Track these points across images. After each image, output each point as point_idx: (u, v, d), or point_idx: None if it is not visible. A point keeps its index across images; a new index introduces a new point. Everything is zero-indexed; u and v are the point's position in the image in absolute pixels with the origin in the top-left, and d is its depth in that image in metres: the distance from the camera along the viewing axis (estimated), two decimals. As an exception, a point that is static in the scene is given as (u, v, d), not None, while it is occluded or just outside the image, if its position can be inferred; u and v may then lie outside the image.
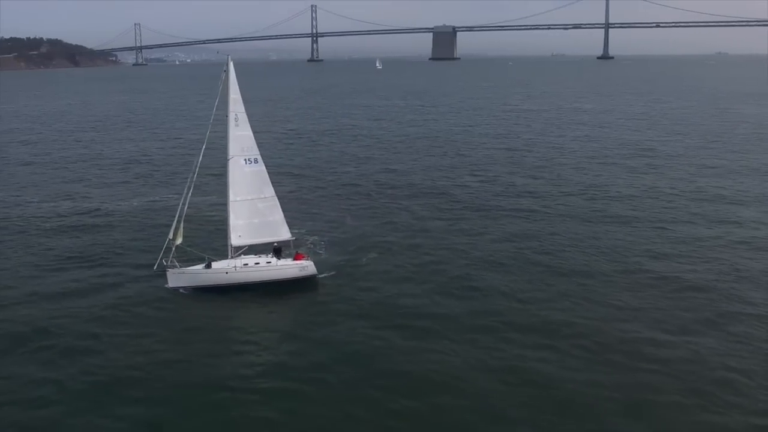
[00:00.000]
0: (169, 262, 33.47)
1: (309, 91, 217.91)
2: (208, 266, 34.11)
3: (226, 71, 33.59)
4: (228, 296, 33.26)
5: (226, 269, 33.84)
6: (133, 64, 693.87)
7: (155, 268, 33.85)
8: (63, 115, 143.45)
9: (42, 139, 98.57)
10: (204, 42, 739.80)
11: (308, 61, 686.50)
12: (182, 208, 34.03)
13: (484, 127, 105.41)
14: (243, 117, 34.09)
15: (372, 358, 26.82)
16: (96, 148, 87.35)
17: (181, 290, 33.51)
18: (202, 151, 34.20)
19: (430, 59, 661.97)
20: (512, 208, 51.46)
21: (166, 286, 33.72)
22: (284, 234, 35.05)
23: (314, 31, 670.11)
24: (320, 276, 34.82)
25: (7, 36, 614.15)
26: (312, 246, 38.39)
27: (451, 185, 60.32)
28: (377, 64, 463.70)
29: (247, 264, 34.12)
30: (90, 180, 65.77)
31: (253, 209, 34.69)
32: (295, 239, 36.02)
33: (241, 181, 34.43)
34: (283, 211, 35.47)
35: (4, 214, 51.40)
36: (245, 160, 34.26)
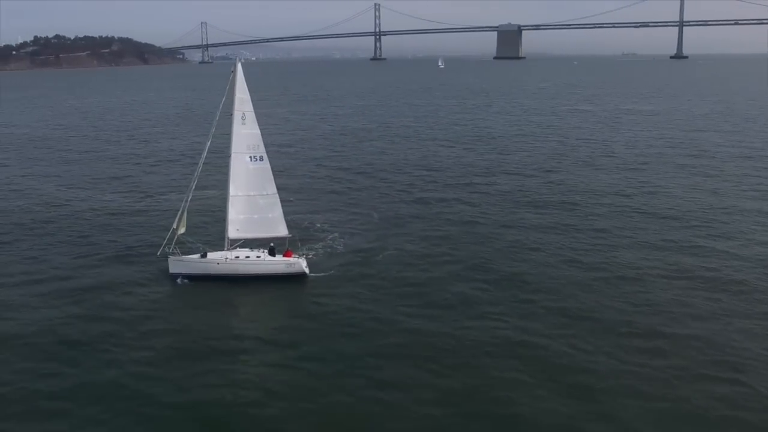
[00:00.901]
0: (171, 250, 35.28)
1: (365, 89, 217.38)
2: (204, 256, 35.55)
3: (234, 71, 34.57)
4: (220, 287, 34.48)
5: (218, 260, 35.20)
6: (200, 62, 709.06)
7: (158, 253, 35.85)
8: (125, 110, 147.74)
9: (100, 135, 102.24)
10: (268, 40, 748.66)
11: (371, 59, 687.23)
12: (186, 200, 35.96)
13: (531, 126, 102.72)
14: (251, 116, 35.09)
15: (334, 360, 26.59)
16: (149, 144, 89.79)
17: (180, 276, 35.25)
18: (207, 146, 35.85)
19: (494, 58, 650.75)
20: (544, 214, 49.65)
21: (169, 272, 35.83)
22: (281, 231, 35.76)
23: (377, 30, 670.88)
24: (313, 274, 35.25)
25: (81, 35, 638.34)
26: (305, 249, 37.32)
27: (485, 186, 59.33)
28: (439, 63, 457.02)
29: (238, 257, 35.36)
30: (133, 174, 67.63)
31: (254, 205, 35.62)
32: (291, 236, 36.20)
33: (245, 177, 35.47)
34: (312, 205, 39.55)
35: (47, 202, 55.31)
36: (251, 157, 35.27)
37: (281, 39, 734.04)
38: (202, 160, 36.09)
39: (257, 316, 32.89)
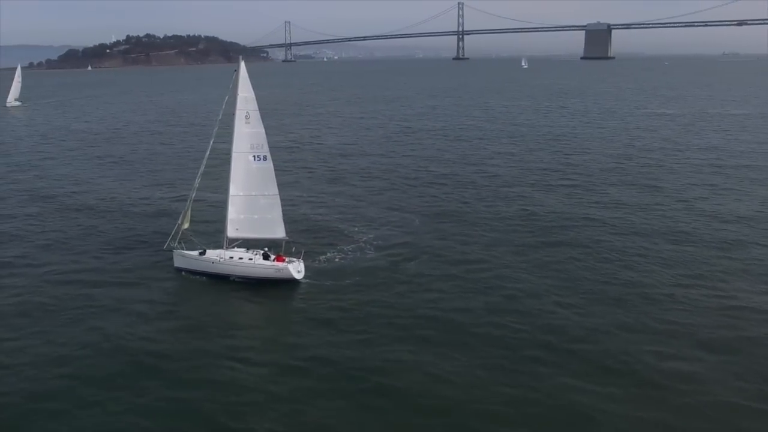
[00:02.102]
0: (176, 244, 36.19)
1: (441, 89, 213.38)
2: (202, 253, 35.87)
3: (237, 71, 34.57)
4: (216, 285, 34.96)
5: (213, 259, 35.39)
6: (282, 61, 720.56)
7: (165, 247, 36.99)
8: (197, 107, 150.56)
9: (168, 131, 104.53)
10: (350, 39, 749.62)
11: (453, 59, 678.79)
12: (191, 196, 36.92)
13: (605, 129, 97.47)
14: (255, 115, 34.64)
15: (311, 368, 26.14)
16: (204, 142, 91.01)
17: (183, 271, 36.30)
18: (211, 144, 36.31)
19: (581, 59, 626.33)
20: (595, 222, 46.47)
21: (174, 265, 37.01)
22: (279, 233, 35.38)
23: (460, 29, 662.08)
24: (307, 280, 34.64)
25: (170, 34, 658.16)
26: (303, 254, 36.38)
27: (542, 192, 56.29)
28: (523, 63, 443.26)
29: (232, 257, 35.32)
30: (176, 171, 67.25)
31: (255, 205, 35.35)
32: (288, 239, 35.87)
33: (247, 176, 35.19)
34: (355, 206, 42.52)
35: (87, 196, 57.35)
36: (254, 156, 34.91)
37: (363, 38, 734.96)
38: (206, 158, 36.30)
39: (240, 316, 32.69)
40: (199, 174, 36.77)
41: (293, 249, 35.77)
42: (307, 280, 34.88)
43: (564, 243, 41.86)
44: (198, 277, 35.83)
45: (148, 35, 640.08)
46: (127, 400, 23.98)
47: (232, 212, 35.69)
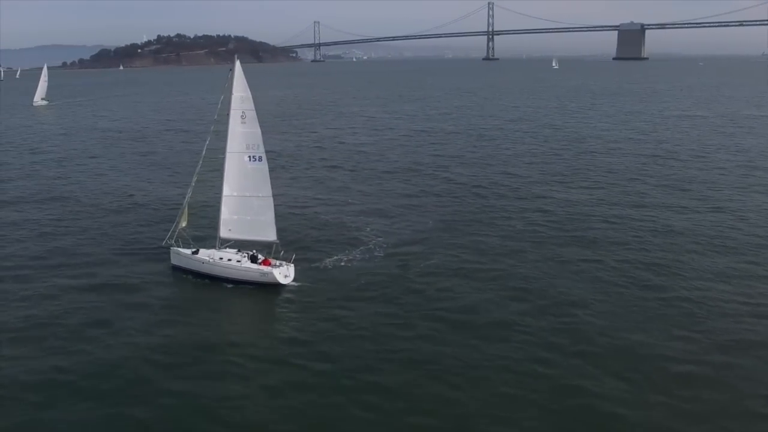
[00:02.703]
0: (173, 242, 36.52)
1: (468, 89, 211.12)
2: (195, 252, 35.84)
3: (232, 70, 34.31)
4: (208, 286, 34.64)
5: (203, 259, 35.29)
6: (312, 61, 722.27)
7: (163, 243, 37.41)
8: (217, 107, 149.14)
9: (192, 129, 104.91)
10: (378, 39, 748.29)
11: (483, 59, 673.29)
12: (188, 195, 36.98)
13: (632, 131, 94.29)
14: (251, 114, 34.29)
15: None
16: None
17: (178, 269, 36.37)
18: (206, 143, 36.44)
19: (613, 59, 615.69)
20: (617, 224, 44.92)
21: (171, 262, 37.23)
22: (270, 235, 35.03)
23: (490, 29, 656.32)
24: (296, 283, 33.94)
25: (200, 34, 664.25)
26: (293, 258, 35.38)
27: (562, 195, 54.30)
28: (553, 64, 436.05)
29: (222, 258, 35.10)
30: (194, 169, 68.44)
31: (248, 206, 35.10)
32: (278, 242, 35.30)
33: (242, 177, 34.93)
34: (369, 208, 42.81)
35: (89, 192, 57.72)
36: (249, 157, 34.62)
37: (392, 38, 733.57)
38: (203, 157, 36.46)
39: (233, 317, 32.30)
40: (195, 173, 37.30)
41: (282, 252, 35.07)
42: (308, 283, 34.24)
43: (584, 245, 40.66)
44: (191, 276, 35.83)
45: (178, 35, 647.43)
46: (121, 397, 24.02)
47: (225, 213, 35.62)
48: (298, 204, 51.95)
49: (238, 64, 34.30)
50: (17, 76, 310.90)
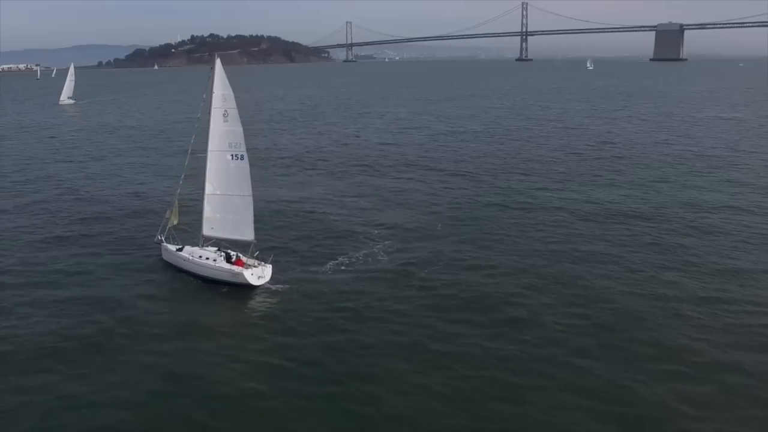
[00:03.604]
0: (164, 238, 37.30)
1: (496, 90, 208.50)
2: (180, 249, 36.27)
3: (213, 69, 34.53)
4: (187, 283, 34.73)
5: (185, 257, 35.54)
6: (344, 61, 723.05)
7: (155, 240, 38.06)
8: (248, 106, 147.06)
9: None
10: (410, 40, 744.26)
11: (516, 60, 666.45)
12: (176, 192, 37.73)
13: (662, 133, 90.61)
14: (234, 113, 34.36)
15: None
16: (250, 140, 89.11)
17: (167, 263, 36.90)
18: (191, 142, 37.24)
19: (650, 60, 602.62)
20: (638, 233, 42.25)
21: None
22: (248, 234, 34.99)
23: (524, 30, 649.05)
24: (266, 286, 33.42)
25: (233, 34, 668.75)
26: (271, 258, 35.08)
27: (583, 198, 52.35)
28: (588, 65, 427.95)
29: (201, 256, 35.26)
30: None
31: (230, 204, 35.25)
32: (255, 242, 35.07)
33: (225, 175, 35.06)
34: (382, 208, 44.26)
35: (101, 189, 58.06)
36: (232, 155, 34.72)
37: (425, 38, 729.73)
38: (189, 155, 36.93)
39: (218, 317, 31.28)
40: (183, 170, 38.11)
41: (257, 252, 34.73)
42: (286, 285, 33.54)
43: (599, 253, 38.58)
44: (176, 271, 36.25)
45: (212, 35, 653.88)
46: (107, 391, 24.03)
47: (208, 211, 35.89)
48: (308, 203, 51.52)
49: (218, 62, 34.44)
50: (53, 76, 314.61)
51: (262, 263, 33.86)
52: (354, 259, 37.24)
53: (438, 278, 34.54)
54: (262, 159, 72.38)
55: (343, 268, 36.01)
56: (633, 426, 21.68)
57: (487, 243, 40.71)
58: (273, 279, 33.67)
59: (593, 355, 26.02)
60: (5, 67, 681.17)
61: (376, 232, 42.84)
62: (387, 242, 40.32)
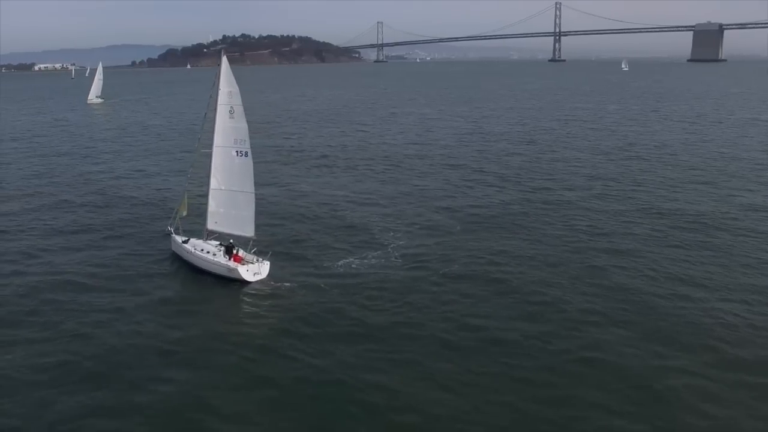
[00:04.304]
0: (173, 229, 38.42)
1: (526, 91, 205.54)
2: (186, 241, 37.13)
3: (220, 65, 34.96)
4: (188, 273, 35.68)
5: (188, 249, 36.47)
6: (374, 61, 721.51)
7: (165, 231, 39.39)
8: (277, 105, 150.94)
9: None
10: (441, 40, 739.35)
11: (549, 60, 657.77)
12: (185, 185, 39.58)
13: (693, 135, 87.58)
14: (239, 110, 34.71)
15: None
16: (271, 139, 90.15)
17: (175, 254, 37.88)
18: (199, 137, 38.08)
19: (688, 61, 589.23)
20: (660, 238, 40.37)
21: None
22: (249, 231, 35.37)
23: (557, 30, 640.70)
24: (262, 282, 33.71)
25: (264, 34, 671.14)
26: (270, 255, 35.57)
27: (608, 198, 51.61)
28: (623, 66, 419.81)
29: (203, 249, 35.91)
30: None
31: (234, 200, 35.70)
32: (255, 238, 35.48)
33: (230, 171, 35.47)
34: (400, 208, 45.64)
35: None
36: (237, 152, 35.06)
37: (456, 39, 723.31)
38: (197, 149, 37.68)
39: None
40: (191, 164, 39.43)
41: (254, 249, 35.16)
42: (281, 283, 33.53)
43: (617, 254, 37.71)
44: (181, 262, 37.19)
45: (243, 35, 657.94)
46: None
47: (212, 205, 36.55)
48: (328, 201, 51.44)
49: (224, 60, 34.75)
50: (86, 75, 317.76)
51: (260, 260, 34.28)
52: (367, 257, 37.01)
53: (451, 277, 33.86)
54: (286, 157, 72.75)
55: (354, 267, 35.64)
56: (653, 421, 21.41)
57: (507, 244, 39.89)
58: (276, 276, 33.84)
59: (612, 351, 25.69)
60: (42, 66, 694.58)
61: (393, 231, 42.45)
62: (402, 242, 39.91)
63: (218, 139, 35.18)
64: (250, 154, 34.67)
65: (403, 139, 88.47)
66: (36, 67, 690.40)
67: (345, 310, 30.01)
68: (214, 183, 35.98)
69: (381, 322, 28.75)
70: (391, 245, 39.15)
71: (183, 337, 27.74)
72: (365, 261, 36.46)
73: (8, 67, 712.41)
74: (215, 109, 34.89)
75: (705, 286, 32.81)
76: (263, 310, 30.92)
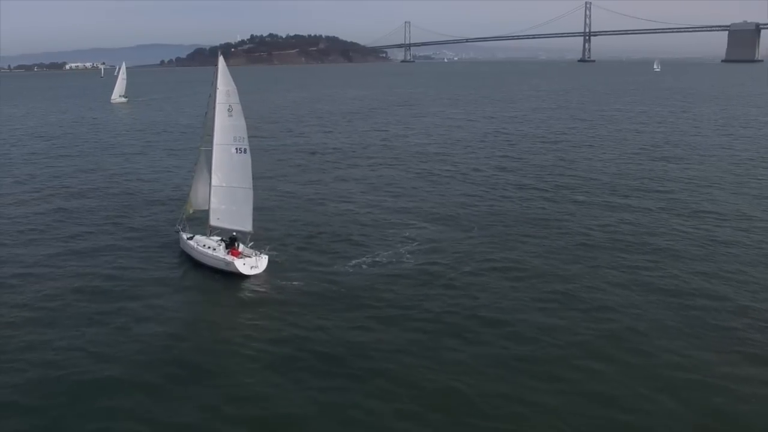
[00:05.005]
0: (180, 227, 39.28)
1: (553, 92, 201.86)
2: (190, 238, 37.99)
3: (217, 66, 35.90)
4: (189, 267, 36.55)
5: (192, 245, 37.26)
6: (401, 61, 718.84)
7: (174, 228, 40.31)
8: (303, 105, 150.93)
9: (264, 128, 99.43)
10: (468, 40, 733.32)
11: (578, 61, 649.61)
12: (191, 184, 40.06)
13: (726, 138, 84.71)
14: (237, 108, 35.50)
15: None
16: (281, 138, 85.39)
17: (183, 251, 38.64)
18: (202, 135, 38.50)
19: (722, 61, 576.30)
20: (685, 240, 37.44)
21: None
22: (247, 226, 36.25)
23: (587, 30, 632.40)
24: (258, 276, 34.33)
25: (291, 33, 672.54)
26: (268, 249, 36.10)
27: (632, 200, 49.72)
28: (655, 66, 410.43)
29: (204, 245, 36.69)
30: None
31: (234, 196, 36.51)
32: (252, 233, 36.21)
33: (230, 168, 36.31)
34: (417, 208, 46.82)
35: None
36: (236, 149, 35.81)
37: (483, 39, 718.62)
38: (200, 147, 38.36)
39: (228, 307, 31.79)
40: (195, 163, 39.77)
41: (251, 243, 35.95)
42: (276, 279, 33.98)
43: (641, 257, 36.36)
44: (188, 259, 37.89)
45: (271, 35, 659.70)
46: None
47: (214, 202, 37.37)
48: (343, 201, 51.12)
49: (221, 60, 35.96)
50: (115, 74, 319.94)
51: (258, 254, 35.01)
52: (378, 256, 36.76)
53: (462, 280, 33.21)
54: (306, 157, 72.56)
55: (364, 266, 35.40)
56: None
57: (525, 248, 38.53)
58: (276, 271, 34.52)
59: (619, 362, 24.81)
60: (73, 65, 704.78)
61: (408, 231, 41.95)
62: (415, 243, 39.30)
63: (218, 137, 36.01)
64: (248, 151, 35.50)
65: (425, 139, 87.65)
66: (67, 66, 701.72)
67: (345, 306, 29.93)
68: (215, 180, 36.94)
69: (388, 318, 28.71)
70: (404, 244, 38.92)
71: (175, 327, 28.66)
72: (375, 259, 36.39)
73: (41, 66, 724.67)
74: (214, 108, 35.61)
75: (734, 284, 31.96)
76: (255, 302, 31.64)
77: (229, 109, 35.36)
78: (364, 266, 35.41)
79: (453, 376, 23.57)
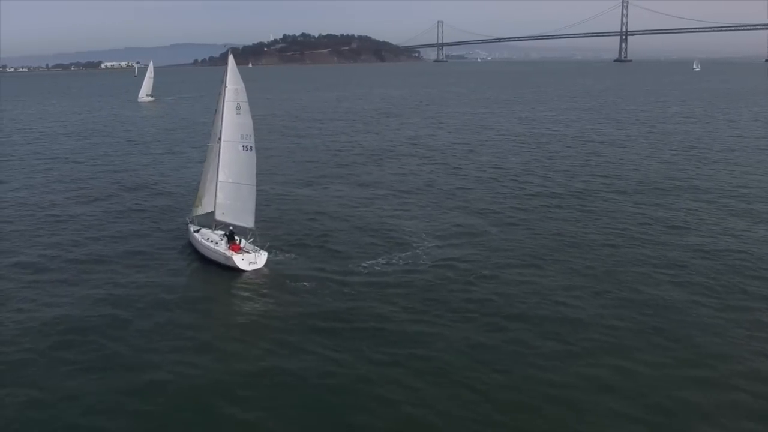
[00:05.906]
0: (189, 220, 40.21)
1: (586, 92, 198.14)
2: (197, 231, 38.91)
3: (227, 64, 36.68)
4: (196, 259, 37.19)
5: (197, 238, 38.19)
6: (434, 61, 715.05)
7: (184, 221, 41.42)
8: (329, 104, 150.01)
9: (292, 125, 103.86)
10: (504, 40, 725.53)
11: (614, 61, 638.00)
12: (201, 179, 39.99)
13: (755, 139, 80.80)
14: (245, 106, 36.05)
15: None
16: (294, 138, 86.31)
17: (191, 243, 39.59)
18: (212, 133, 38.39)
19: (765, 61, 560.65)
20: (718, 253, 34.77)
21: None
22: (249, 222, 36.75)
23: (623, 29, 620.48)
24: (256, 271, 34.61)
25: (324, 33, 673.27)
26: (267, 245, 36.68)
27: (661, 202, 48.45)
28: (694, 66, 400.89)
29: (208, 239, 37.57)
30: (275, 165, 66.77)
31: (238, 192, 37.18)
32: (254, 229, 36.51)
33: (236, 164, 37.01)
34: (437, 209, 46.37)
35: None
36: (243, 146, 36.46)
37: (517, 38, 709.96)
38: (211, 143, 38.46)
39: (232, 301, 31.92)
40: (204, 160, 40.12)
41: (251, 239, 36.29)
42: (274, 274, 34.08)
43: (669, 265, 34.44)
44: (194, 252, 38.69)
45: (303, 34, 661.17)
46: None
47: (221, 197, 38.04)
48: (366, 199, 50.76)
49: (231, 59, 36.77)
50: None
51: (258, 250, 35.54)
52: (393, 256, 36.28)
53: (476, 283, 32.28)
54: (332, 156, 72.12)
55: (378, 268, 34.63)
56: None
57: (544, 251, 37.08)
58: (276, 268, 34.57)
59: (649, 361, 24.15)
60: (108, 64, 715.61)
61: (425, 231, 41.21)
62: (432, 244, 38.44)
63: (226, 134, 36.74)
64: (254, 148, 36.15)
65: (451, 138, 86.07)
66: (103, 65, 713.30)
67: (345, 304, 29.50)
68: (222, 176, 37.63)
69: (390, 317, 28.18)
70: (420, 246, 38.19)
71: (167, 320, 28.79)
72: (386, 259, 35.90)
73: (77, 65, 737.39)
74: (223, 106, 36.45)
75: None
76: (252, 299, 31.51)
77: (237, 107, 36.02)
78: (370, 265, 35.22)
79: (455, 377, 23.18)
